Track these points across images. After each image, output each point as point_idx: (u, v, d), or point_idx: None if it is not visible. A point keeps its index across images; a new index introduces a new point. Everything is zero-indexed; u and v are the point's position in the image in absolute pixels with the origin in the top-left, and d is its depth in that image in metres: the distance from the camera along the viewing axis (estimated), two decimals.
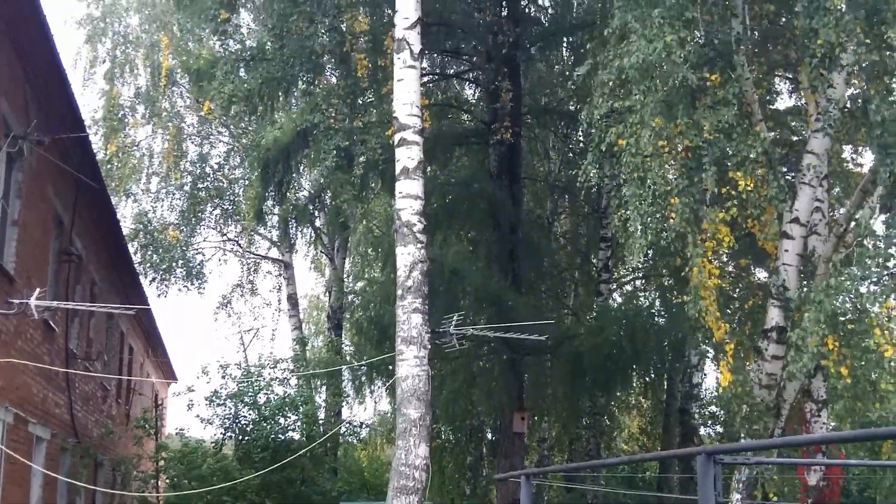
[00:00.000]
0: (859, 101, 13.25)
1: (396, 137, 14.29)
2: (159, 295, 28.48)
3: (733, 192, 12.93)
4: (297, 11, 16.54)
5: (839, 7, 11.70)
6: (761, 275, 17.90)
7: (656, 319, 20.06)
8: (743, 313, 17.22)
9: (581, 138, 23.25)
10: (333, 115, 16.52)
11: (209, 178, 30.16)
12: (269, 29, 17.84)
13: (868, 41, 11.83)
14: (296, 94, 19.63)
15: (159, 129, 30.00)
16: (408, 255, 12.49)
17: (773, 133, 16.23)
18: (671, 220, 12.29)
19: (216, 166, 30.45)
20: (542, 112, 23.40)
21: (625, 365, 18.83)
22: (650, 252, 17.94)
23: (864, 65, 12.45)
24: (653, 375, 23.38)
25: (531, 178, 24.82)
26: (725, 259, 14.98)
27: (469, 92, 25.75)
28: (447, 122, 23.11)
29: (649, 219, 12.10)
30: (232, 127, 29.87)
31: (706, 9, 12.97)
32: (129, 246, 25.51)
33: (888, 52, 12.12)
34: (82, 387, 19.21)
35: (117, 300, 22.30)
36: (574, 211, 27.50)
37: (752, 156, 12.41)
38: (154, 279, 28.28)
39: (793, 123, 18.64)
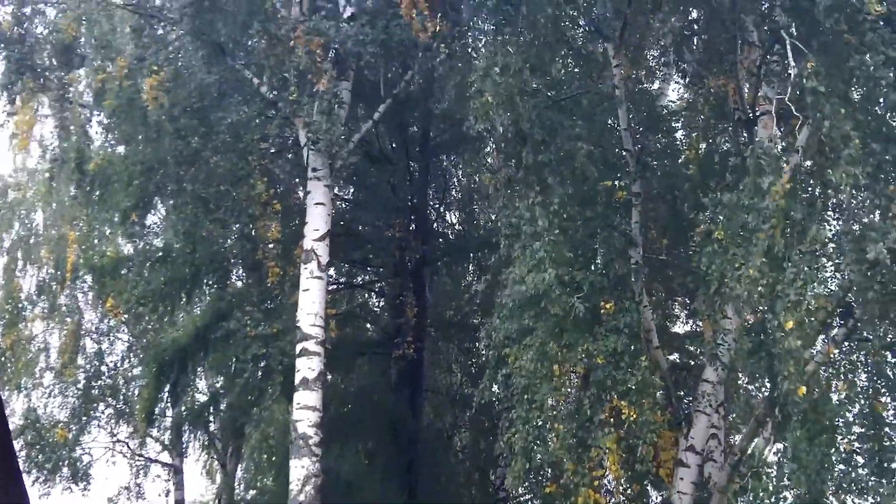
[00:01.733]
0: (752, 332, 13.63)
1: (298, 347, 14.32)
2: (41, 496, 27.25)
3: (622, 418, 12.96)
4: (209, 218, 16.66)
5: (733, 243, 12.19)
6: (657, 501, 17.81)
7: None
8: None
9: (483, 353, 23.41)
10: (247, 321, 16.44)
11: (104, 377, 29.43)
12: (179, 231, 17.90)
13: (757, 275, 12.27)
14: (200, 296, 19.58)
15: (58, 324, 29.41)
16: (302, 469, 12.31)
17: (671, 357, 16.54)
18: (552, 446, 12.24)
19: (112, 364, 29.79)
20: (446, 325, 23.61)
21: None
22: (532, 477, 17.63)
23: (754, 296, 12.86)
24: None
25: (433, 390, 24.75)
26: (616, 486, 14.85)
27: (375, 301, 25.92)
28: (351, 332, 23.14)
29: (532, 443, 12.06)
30: (132, 325, 29.42)
31: (602, 239, 13.40)
32: (15, 443, 24.41)
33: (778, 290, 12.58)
34: None
35: None
36: (474, 426, 27.32)
37: (633, 386, 12.48)
38: (38, 479, 27.10)
39: (691, 348, 19.03)
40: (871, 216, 11.86)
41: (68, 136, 20.00)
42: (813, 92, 11.03)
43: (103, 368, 29.46)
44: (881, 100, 11.47)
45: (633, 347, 12.85)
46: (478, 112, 12.44)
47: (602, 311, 13.05)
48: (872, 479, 11.97)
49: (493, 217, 21.17)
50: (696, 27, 15.53)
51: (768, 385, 12.77)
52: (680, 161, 16.01)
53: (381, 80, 16.45)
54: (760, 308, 12.49)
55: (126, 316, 26.35)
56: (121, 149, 19.08)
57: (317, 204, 15.58)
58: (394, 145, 21.32)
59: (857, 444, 12.32)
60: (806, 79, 11.06)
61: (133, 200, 17.78)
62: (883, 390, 12.71)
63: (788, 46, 11.65)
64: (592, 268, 13.35)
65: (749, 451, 13.37)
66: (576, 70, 16.43)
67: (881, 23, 10.89)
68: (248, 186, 16.26)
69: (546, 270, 11.91)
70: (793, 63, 11.57)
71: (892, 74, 10.87)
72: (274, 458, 23.52)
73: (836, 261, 12.50)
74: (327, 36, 14.71)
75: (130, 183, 17.45)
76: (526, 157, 12.70)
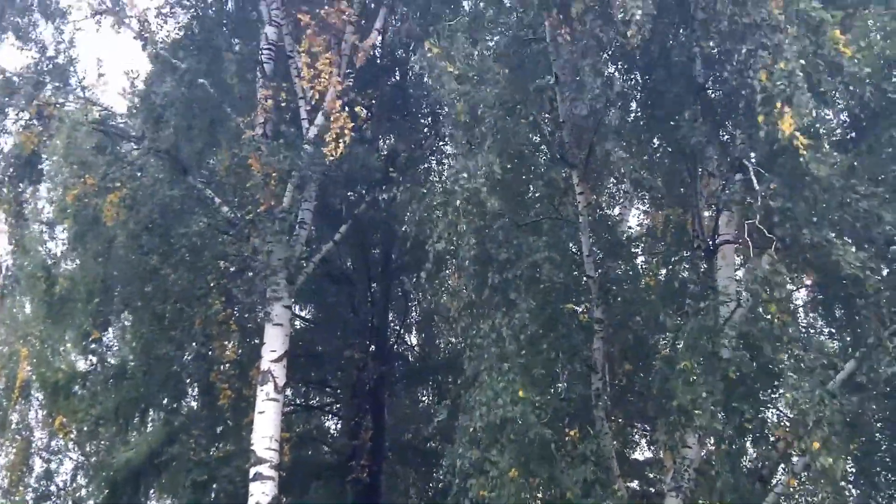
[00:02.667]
0: (712, 462, 13.51)
1: (252, 471, 14.00)
2: None
3: None
4: (165, 337, 16.43)
5: (694, 371, 12.17)
6: None
7: None
8: None
9: (441, 478, 23.02)
10: (193, 445, 16.06)
11: (53, 497, 28.61)
12: (135, 349, 17.63)
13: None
14: (153, 416, 19.21)
15: (6, 442, 28.65)
16: None
17: (631, 484, 16.35)
18: None
19: (62, 484, 28.98)
20: (404, 449, 23.23)
21: None
22: None
23: (714, 426, 12.76)
24: None
25: None
26: None
27: (331, 423, 25.52)
28: (306, 454, 22.69)
29: None
30: (82, 444, 28.72)
31: (564, 365, 13.33)
32: None
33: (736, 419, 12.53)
34: None
35: None
36: None
37: None
38: None
39: (651, 476, 18.84)
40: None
41: (24, 253, 19.77)
42: (781, 210, 11.20)
43: (52, 488, 28.69)
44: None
45: (603, 476, 12.71)
46: (442, 233, 12.43)
47: (567, 437, 12.91)
48: None
49: (454, 339, 21.11)
50: (657, 156, 15.74)
51: None
52: (640, 287, 16.06)
53: (341, 201, 16.52)
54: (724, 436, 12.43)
55: (76, 435, 25.76)
56: (78, 261, 18.89)
57: (275, 325, 15.42)
58: (355, 266, 21.29)
59: None
60: (771, 198, 11.23)
61: (92, 318, 17.53)
62: None
63: (752, 172, 11.85)
64: (554, 393, 13.25)
65: None
66: (539, 195, 16.58)
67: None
68: (205, 306, 16.11)
69: (516, 394, 11.77)
70: (756, 185, 11.74)
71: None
72: None
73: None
74: (287, 162, 14.81)
75: (90, 300, 17.24)
76: (492, 278, 12.68)
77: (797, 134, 10.67)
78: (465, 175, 12.37)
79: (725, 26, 11.35)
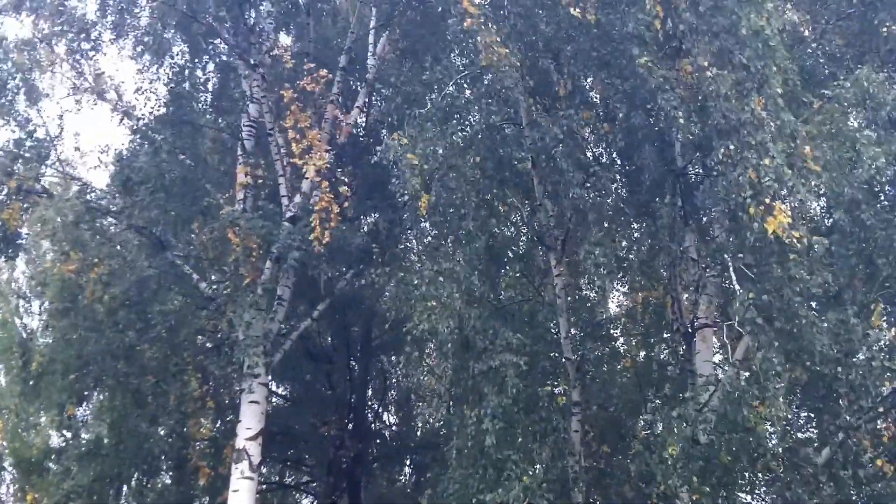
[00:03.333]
0: None
1: None
2: None
3: None
4: (138, 412, 16.24)
5: (676, 457, 12.10)
6: None
7: None
8: None
9: None
10: None
11: None
12: (108, 425, 17.42)
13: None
14: (127, 493, 18.90)
15: None
16: None
17: None
18: None
19: None
20: None
21: None
22: None
23: None
24: None
25: None
26: None
27: (307, 503, 25.21)
28: None
29: None
30: None
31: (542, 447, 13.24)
32: None
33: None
34: None
35: None
36: None
37: None
38: None
39: None
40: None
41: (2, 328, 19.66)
42: (751, 322, 11.25)
43: None
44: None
45: None
46: (421, 316, 12.41)
47: None
48: None
49: (433, 419, 21.00)
50: (636, 237, 15.84)
51: None
52: (619, 368, 16.05)
53: (320, 278, 16.48)
54: None
55: None
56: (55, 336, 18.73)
57: (251, 402, 15.25)
58: (334, 343, 21.18)
59: None
60: (746, 308, 11.29)
61: (69, 394, 17.37)
62: None
63: (730, 266, 11.92)
64: (533, 474, 13.13)
65: None
66: (518, 275, 16.65)
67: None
68: (181, 382, 15.99)
69: (493, 482, 11.67)
70: (736, 286, 11.78)
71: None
72: None
73: None
74: (265, 236, 14.81)
75: (66, 376, 17.10)
76: (472, 366, 12.65)
77: (785, 231, 10.79)
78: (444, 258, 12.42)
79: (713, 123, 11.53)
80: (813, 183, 11.33)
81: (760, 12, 11.36)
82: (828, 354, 11.16)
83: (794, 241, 10.87)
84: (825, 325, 11.37)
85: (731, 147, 11.29)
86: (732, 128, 11.29)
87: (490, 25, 12.72)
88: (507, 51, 12.46)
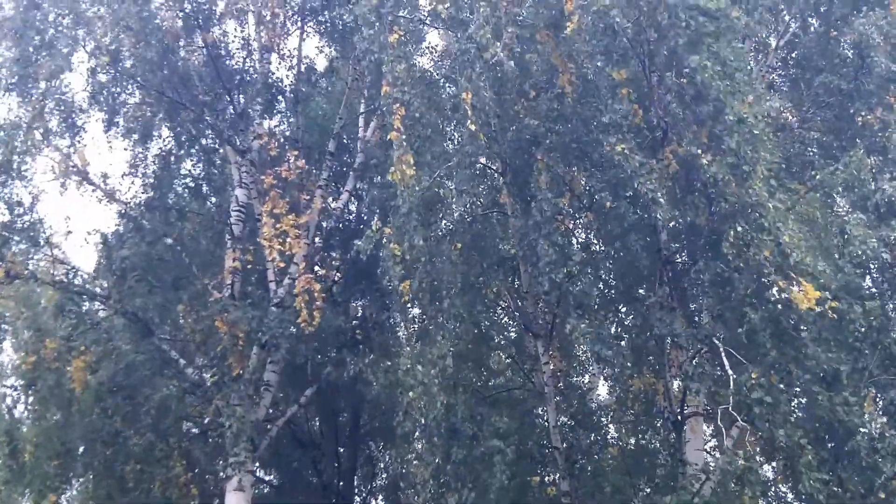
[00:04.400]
0: None
1: None
2: None
3: None
4: (123, 498, 16.06)
5: None
6: None
7: None
8: None
9: None
10: None
11: None
12: None
13: None
14: None
15: None
16: None
17: None
18: None
19: None
20: None
21: None
22: None
23: None
24: None
25: None
26: None
27: None
28: None
29: None
30: None
31: None
32: None
33: None
34: None
35: None
36: None
37: None
38: None
39: None
40: None
41: None
42: (759, 402, 11.14)
43: None
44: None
45: None
46: (408, 409, 12.29)
47: None
48: None
49: None
50: (625, 325, 15.79)
51: None
52: (608, 457, 15.87)
53: (309, 363, 16.36)
54: None
55: None
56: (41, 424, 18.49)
57: (235, 490, 15.00)
58: (322, 429, 20.92)
59: None
60: (750, 390, 11.19)
61: (53, 480, 17.11)
62: None
63: (722, 352, 11.86)
64: None
65: None
66: (509, 361, 16.56)
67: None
68: (166, 468, 15.82)
69: None
70: (730, 371, 11.69)
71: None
72: None
73: None
74: (254, 322, 14.72)
75: (51, 462, 16.88)
76: (456, 453, 12.47)
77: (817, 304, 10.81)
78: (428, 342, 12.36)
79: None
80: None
81: (743, 100, 11.49)
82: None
83: (829, 311, 10.85)
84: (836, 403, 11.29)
85: (739, 229, 11.36)
86: (737, 211, 11.37)
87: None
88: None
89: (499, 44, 12.90)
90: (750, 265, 11.43)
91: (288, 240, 15.04)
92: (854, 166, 12.22)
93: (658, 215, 12.05)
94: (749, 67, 12.10)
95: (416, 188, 12.39)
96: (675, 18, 11.84)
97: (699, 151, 11.62)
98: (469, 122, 12.41)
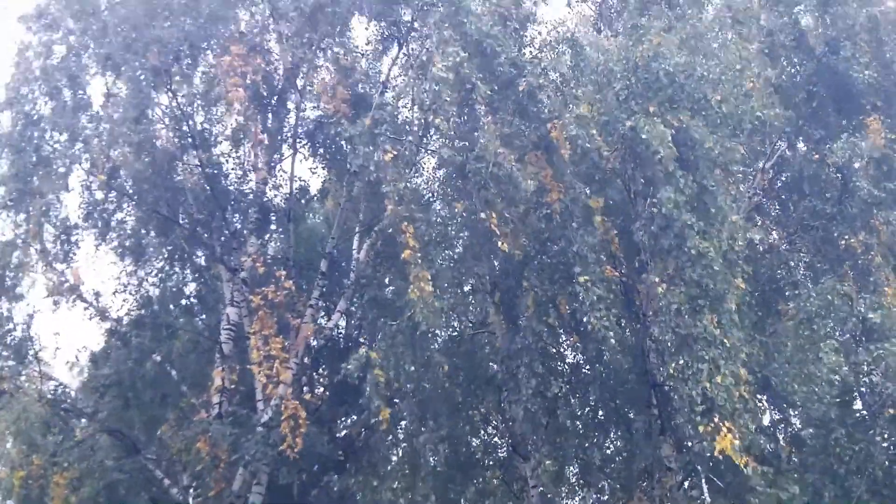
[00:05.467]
0: None
1: None
2: None
3: None
4: None
5: None
6: None
7: None
8: None
9: None
10: None
11: None
12: None
13: None
14: None
15: None
16: None
17: None
18: None
19: None
20: None
21: None
22: None
23: None
24: None
25: None
26: None
27: None
28: None
29: None
30: None
31: None
32: None
33: None
34: None
35: None
36: None
37: None
38: None
39: None
40: None
41: None
42: None
43: None
44: None
45: None
46: None
47: None
48: None
49: None
50: (615, 446, 15.64)
51: None
52: None
53: (293, 485, 16.14)
54: None
55: None
56: None
57: None
58: None
59: None
60: None
61: None
62: None
63: (704, 483, 11.75)
64: None
65: None
66: (498, 482, 16.37)
67: None
68: None
69: None
70: (706, 496, 11.58)
71: None
72: None
73: None
74: (232, 444, 14.58)
75: None
76: None
77: (734, 452, 10.69)
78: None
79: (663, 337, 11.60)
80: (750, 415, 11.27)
81: (708, 232, 11.55)
82: None
83: (742, 464, 10.75)
84: None
85: (682, 362, 11.29)
86: (684, 342, 11.33)
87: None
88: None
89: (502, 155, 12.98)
90: (683, 399, 11.32)
91: (276, 365, 14.97)
92: (827, 293, 12.23)
93: (606, 354, 12.04)
94: (726, 200, 12.12)
95: (436, 304, 12.36)
96: (648, 150, 11.96)
97: (656, 280, 11.67)
98: (500, 242, 12.49)
